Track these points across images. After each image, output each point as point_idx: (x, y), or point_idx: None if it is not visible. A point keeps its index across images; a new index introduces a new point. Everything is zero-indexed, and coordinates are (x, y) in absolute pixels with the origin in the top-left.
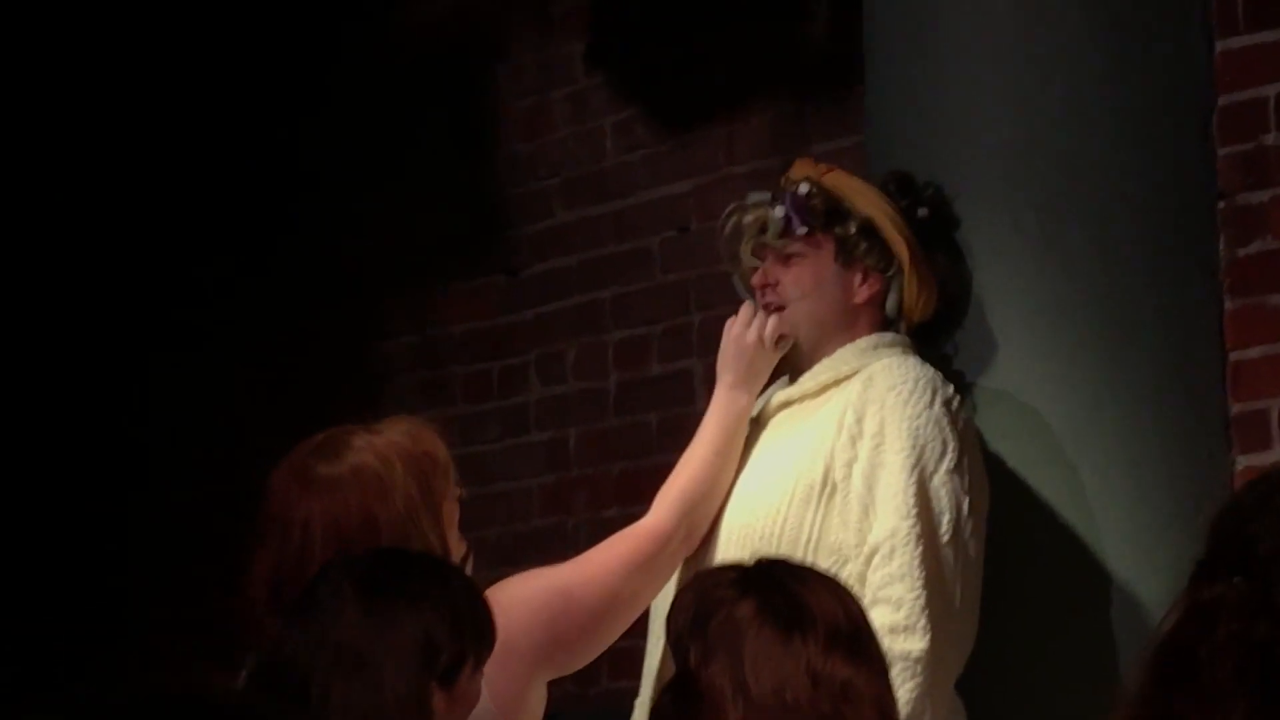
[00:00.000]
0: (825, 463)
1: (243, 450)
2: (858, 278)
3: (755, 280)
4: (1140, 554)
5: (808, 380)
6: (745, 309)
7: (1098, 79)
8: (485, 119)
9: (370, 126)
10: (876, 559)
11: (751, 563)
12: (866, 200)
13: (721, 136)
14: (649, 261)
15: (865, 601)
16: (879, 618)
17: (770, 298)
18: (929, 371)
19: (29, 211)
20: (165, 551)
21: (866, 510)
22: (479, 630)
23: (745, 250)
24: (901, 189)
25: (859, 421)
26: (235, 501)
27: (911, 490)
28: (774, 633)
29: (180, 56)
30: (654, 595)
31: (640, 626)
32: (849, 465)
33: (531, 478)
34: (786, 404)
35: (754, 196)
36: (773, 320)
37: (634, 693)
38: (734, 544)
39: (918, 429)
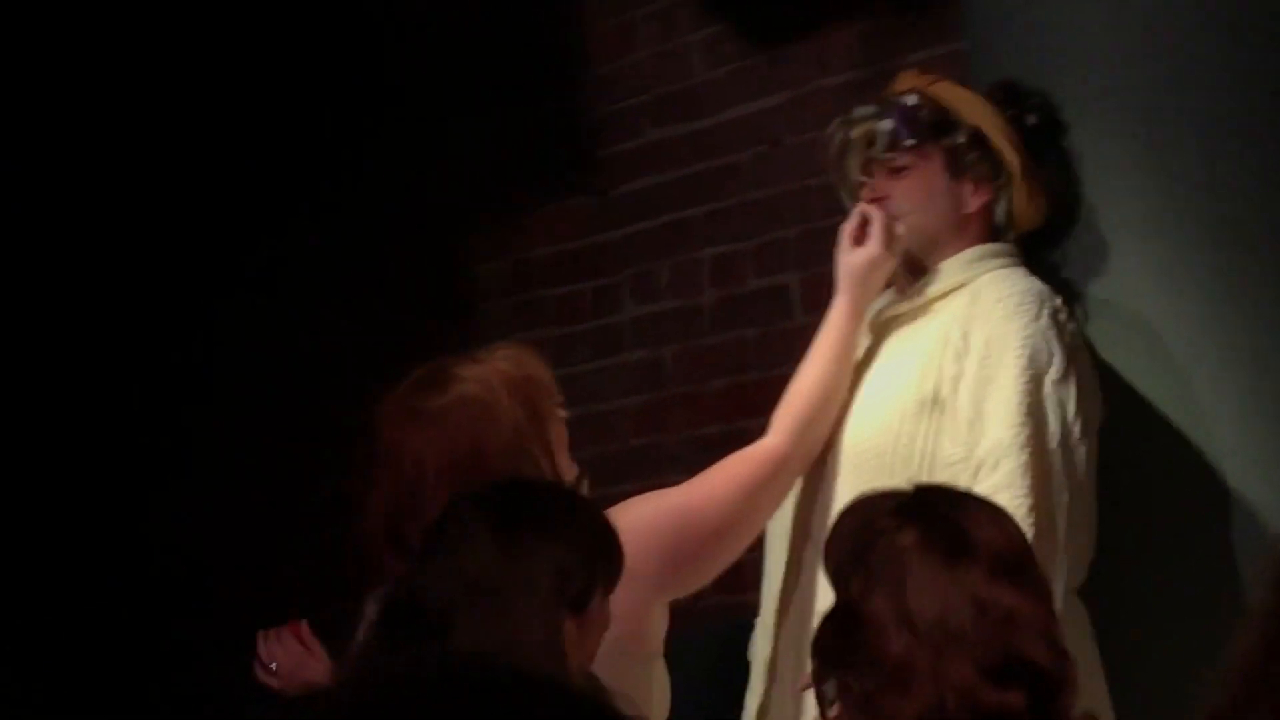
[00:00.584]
0: (935, 378)
1: (336, 382)
2: (968, 188)
3: (864, 196)
4: (1256, 462)
5: (915, 294)
6: (877, 220)
7: None
8: (571, 40)
9: (456, 51)
10: (982, 471)
11: (911, 490)
12: (974, 110)
13: (812, 49)
14: (740, 178)
15: None
16: None
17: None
18: (1036, 283)
19: (122, 148)
20: (264, 488)
21: (973, 425)
22: (607, 557)
23: (852, 166)
24: (1009, 98)
25: (965, 337)
26: (331, 434)
27: (1017, 401)
28: (937, 561)
29: None
30: (771, 514)
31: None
32: (955, 381)
33: (625, 398)
34: (895, 318)
35: (860, 110)
36: (900, 226)
37: (741, 607)
38: (848, 462)
39: (1024, 340)
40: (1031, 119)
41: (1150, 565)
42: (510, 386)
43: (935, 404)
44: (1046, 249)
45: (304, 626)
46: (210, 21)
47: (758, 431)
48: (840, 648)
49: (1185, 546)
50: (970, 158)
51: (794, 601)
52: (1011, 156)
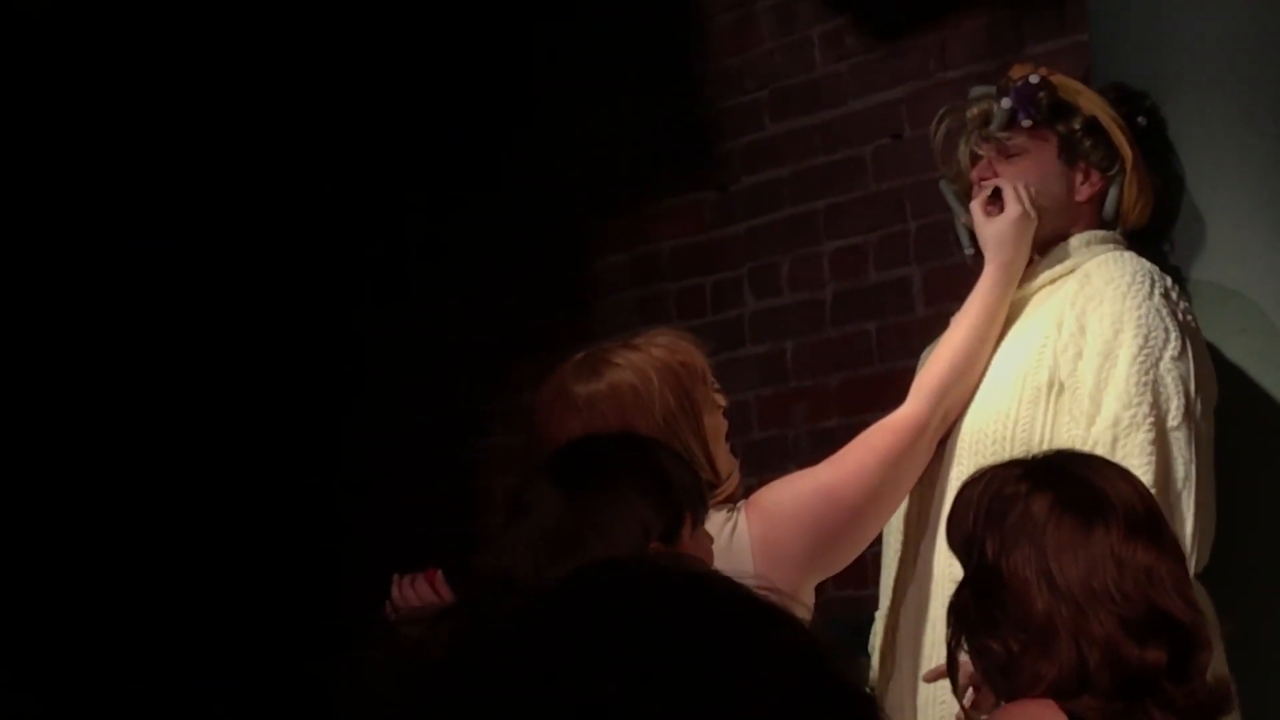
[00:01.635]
0: (1050, 363)
1: (461, 373)
2: (1079, 175)
3: (977, 172)
4: None
5: (1024, 280)
6: (1008, 187)
7: None
8: (691, 34)
9: (579, 46)
10: (1099, 448)
11: (1034, 458)
12: (1090, 100)
13: (933, 42)
14: (862, 170)
15: None
16: None
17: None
18: (1145, 264)
19: (252, 137)
20: (388, 482)
21: (1093, 403)
22: (684, 487)
23: (964, 146)
24: (1121, 97)
25: (1079, 318)
26: (456, 426)
27: (1135, 379)
28: (1075, 521)
29: None
30: (912, 483)
31: None
32: (1074, 362)
33: (748, 391)
34: (1018, 300)
35: (977, 90)
36: (1031, 187)
37: (859, 601)
38: (966, 449)
39: (1139, 319)
40: (1142, 119)
41: (1268, 554)
42: (662, 372)
43: (1051, 389)
44: (1159, 244)
45: (439, 575)
46: (349, 16)
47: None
48: (980, 611)
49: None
50: (1085, 144)
51: (910, 593)
52: (1125, 147)
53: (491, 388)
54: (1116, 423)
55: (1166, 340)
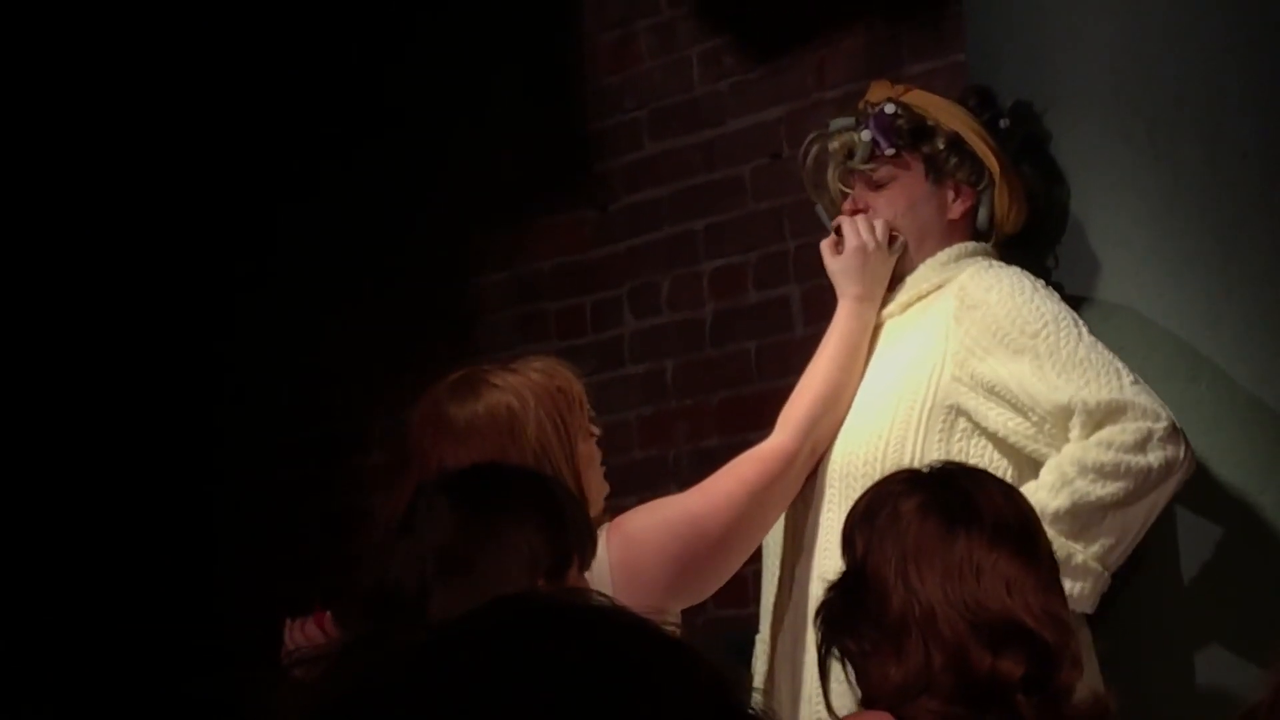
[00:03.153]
0: (931, 383)
1: (337, 392)
2: (950, 193)
3: (846, 207)
4: (1264, 466)
5: (895, 296)
6: (847, 223)
7: None
8: (570, 52)
9: (455, 63)
10: (1074, 429)
11: (927, 466)
12: (950, 115)
13: (812, 62)
14: (741, 190)
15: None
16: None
17: None
18: (1015, 268)
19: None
20: (264, 499)
21: (1031, 396)
22: (578, 527)
23: (832, 178)
24: (983, 103)
25: (967, 334)
26: (333, 444)
27: (1058, 367)
28: (938, 525)
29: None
30: (779, 515)
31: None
32: (991, 384)
33: (628, 411)
34: (884, 320)
35: (837, 123)
36: (879, 221)
37: (740, 621)
38: (837, 472)
39: (1037, 311)
40: (1004, 121)
41: (1154, 572)
42: (541, 397)
43: (927, 408)
44: (1040, 254)
45: (328, 616)
46: (212, 30)
47: (760, 443)
48: (844, 611)
49: (1188, 549)
50: (951, 163)
51: (787, 618)
52: (991, 160)
53: (370, 406)
54: (1070, 404)
55: (1075, 321)
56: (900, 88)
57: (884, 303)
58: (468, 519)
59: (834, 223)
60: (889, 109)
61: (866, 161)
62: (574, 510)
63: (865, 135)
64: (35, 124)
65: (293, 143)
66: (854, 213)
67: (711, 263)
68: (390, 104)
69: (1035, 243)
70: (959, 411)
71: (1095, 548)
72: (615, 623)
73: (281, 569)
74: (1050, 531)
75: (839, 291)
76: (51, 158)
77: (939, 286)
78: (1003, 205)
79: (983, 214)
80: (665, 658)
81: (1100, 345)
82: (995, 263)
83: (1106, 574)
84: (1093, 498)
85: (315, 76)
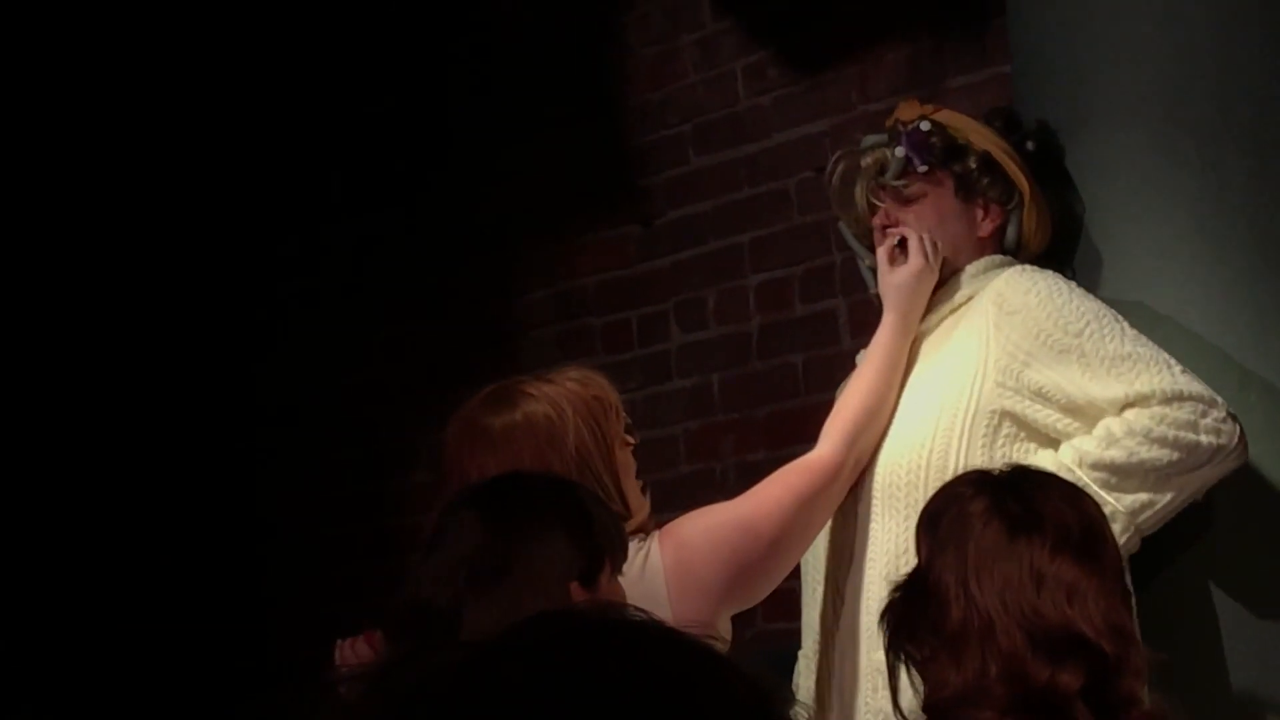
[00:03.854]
0: (974, 391)
1: (384, 410)
2: (979, 211)
3: (877, 221)
4: None
5: (932, 311)
6: (914, 238)
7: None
8: (614, 68)
9: (501, 81)
10: (1119, 430)
11: (998, 469)
12: (981, 135)
13: (855, 75)
14: (786, 203)
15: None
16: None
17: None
18: (1049, 272)
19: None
20: (312, 519)
21: (1085, 408)
22: (607, 531)
23: (860, 194)
24: (1008, 125)
25: (1009, 340)
26: (380, 462)
27: (1107, 363)
28: (1000, 530)
29: (318, 14)
30: (824, 525)
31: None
32: (1040, 387)
33: (675, 425)
34: (921, 334)
35: (869, 140)
36: (936, 242)
37: (787, 635)
38: (882, 482)
39: (1079, 311)
40: (1030, 144)
41: (1194, 580)
42: (576, 404)
43: (970, 415)
44: (1083, 268)
45: (378, 635)
46: (264, 50)
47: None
48: (907, 615)
49: (1229, 555)
50: (982, 182)
51: (838, 632)
52: (1021, 179)
53: (416, 424)
54: (1127, 397)
55: (1116, 318)
56: (930, 107)
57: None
58: (496, 529)
59: (892, 233)
60: (924, 126)
61: (899, 178)
62: (602, 515)
63: (899, 152)
64: (83, 139)
65: (339, 161)
66: (885, 227)
67: (757, 276)
68: (436, 121)
69: (1074, 257)
70: (1004, 416)
71: (1129, 499)
72: (654, 637)
73: (331, 589)
74: (1086, 478)
75: (886, 304)
76: (96, 176)
77: (970, 298)
78: (1030, 224)
79: (1011, 232)
80: (705, 671)
81: (1144, 338)
82: (1028, 266)
83: (1135, 531)
84: (1136, 459)
85: (364, 96)
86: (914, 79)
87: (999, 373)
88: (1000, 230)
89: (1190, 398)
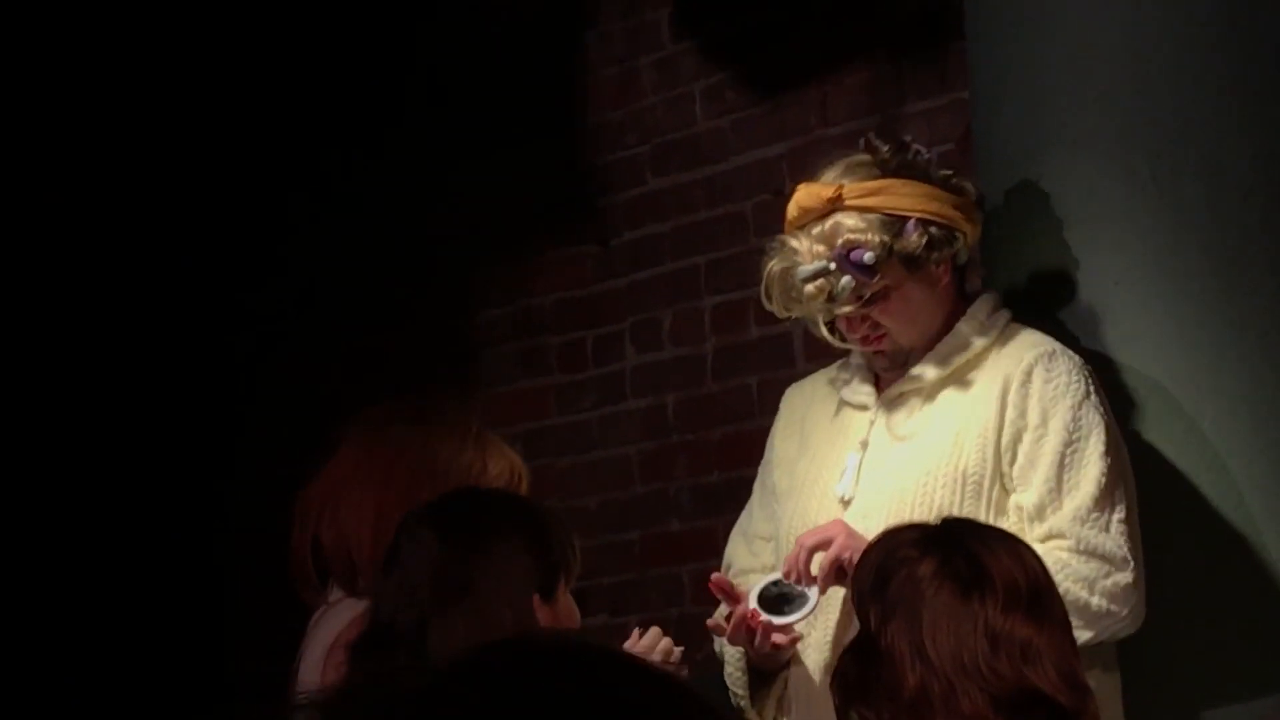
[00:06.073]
0: (983, 450)
1: (341, 428)
2: (933, 268)
3: (845, 328)
4: (1267, 505)
5: (931, 364)
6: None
7: (1209, 25)
8: (573, 88)
9: (459, 98)
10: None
11: (937, 522)
12: (897, 195)
13: (815, 98)
14: (743, 226)
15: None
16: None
17: (866, 334)
18: (1075, 359)
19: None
20: (270, 533)
21: (1054, 497)
22: (562, 545)
23: (816, 312)
24: (898, 147)
25: (1023, 417)
26: None
27: (1062, 480)
28: (952, 593)
29: (267, 25)
30: None
31: None
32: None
33: (629, 445)
34: (914, 391)
35: (805, 270)
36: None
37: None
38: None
39: (1094, 423)
40: (926, 153)
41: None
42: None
43: (985, 475)
44: (1044, 296)
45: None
46: (229, 67)
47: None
48: (860, 680)
49: (1202, 581)
50: (925, 254)
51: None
52: (950, 211)
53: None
54: (1088, 511)
55: (1114, 436)
56: (832, 187)
57: (922, 366)
58: (455, 543)
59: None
60: (860, 255)
61: (853, 304)
62: (557, 528)
63: (846, 281)
64: (66, 134)
65: (293, 179)
66: (855, 329)
67: (713, 298)
68: (393, 139)
69: (1053, 284)
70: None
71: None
72: (613, 664)
73: (288, 608)
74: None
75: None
76: (72, 177)
77: (987, 349)
78: (973, 238)
79: (961, 255)
80: (664, 699)
81: (1123, 479)
82: (1056, 347)
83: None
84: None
85: (322, 111)
86: (873, 103)
87: (1009, 438)
88: (954, 268)
89: (1099, 556)
